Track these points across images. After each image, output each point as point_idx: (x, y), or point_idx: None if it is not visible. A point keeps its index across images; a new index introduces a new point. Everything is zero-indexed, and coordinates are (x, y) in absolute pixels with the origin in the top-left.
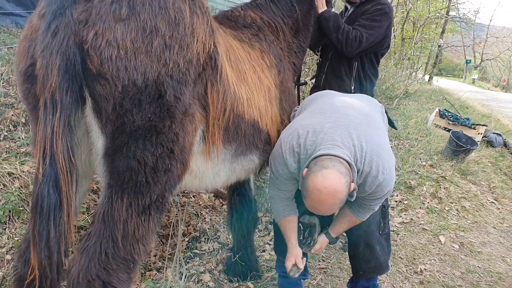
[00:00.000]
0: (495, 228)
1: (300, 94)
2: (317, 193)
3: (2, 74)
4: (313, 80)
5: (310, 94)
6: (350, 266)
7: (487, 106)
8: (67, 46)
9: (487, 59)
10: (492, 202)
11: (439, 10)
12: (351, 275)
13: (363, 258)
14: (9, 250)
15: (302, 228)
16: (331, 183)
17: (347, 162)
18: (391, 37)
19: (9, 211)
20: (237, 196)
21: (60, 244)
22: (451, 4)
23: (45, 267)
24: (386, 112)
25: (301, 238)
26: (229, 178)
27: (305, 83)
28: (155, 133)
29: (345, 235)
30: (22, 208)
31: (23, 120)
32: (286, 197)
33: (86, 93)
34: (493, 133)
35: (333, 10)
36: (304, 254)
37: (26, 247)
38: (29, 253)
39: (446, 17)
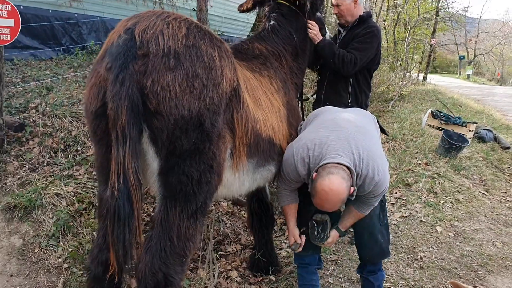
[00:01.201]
0: (486, 216)
1: (304, 108)
2: (323, 193)
3: (37, 106)
4: (314, 96)
5: (312, 108)
6: (358, 254)
7: (481, 101)
8: (132, 92)
9: (480, 54)
10: (483, 193)
11: (428, 12)
12: (359, 263)
13: (367, 246)
14: (65, 260)
15: (316, 225)
16: (335, 186)
17: (348, 168)
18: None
19: (61, 226)
20: (256, 201)
21: (133, 244)
22: (440, 5)
23: (121, 262)
24: (378, 122)
25: (315, 233)
26: (251, 186)
27: (308, 98)
28: (198, 153)
29: (351, 230)
30: (71, 224)
31: (62, 146)
32: (291, 189)
33: (144, 126)
34: (483, 129)
35: (327, 34)
36: (318, 247)
37: (98, 251)
38: (102, 256)
39: (436, 18)
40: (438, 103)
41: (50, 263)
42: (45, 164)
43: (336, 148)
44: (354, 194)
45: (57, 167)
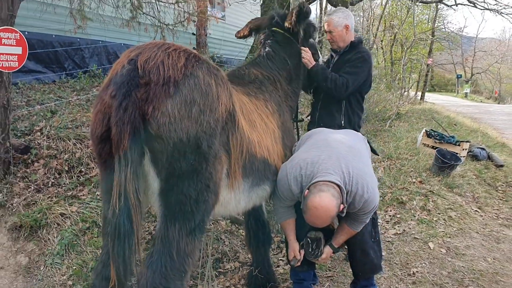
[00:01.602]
0: (478, 233)
1: (299, 129)
2: (314, 210)
3: (41, 129)
4: (309, 117)
5: (307, 129)
6: (351, 270)
7: (478, 119)
8: (134, 118)
9: (477, 73)
10: (476, 210)
11: (424, 32)
12: (353, 278)
13: (360, 262)
14: (70, 277)
15: (310, 242)
16: (325, 203)
17: (339, 186)
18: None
19: (65, 245)
20: (253, 219)
21: (132, 260)
22: (435, 26)
23: (121, 277)
24: (368, 142)
25: (310, 250)
26: (247, 205)
27: (302, 120)
28: (196, 173)
29: (346, 247)
30: (75, 242)
31: (66, 168)
32: (286, 206)
33: (145, 149)
34: (477, 147)
35: (320, 58)
36: (313, 263)
37: (102, 267)
38: (105, 271)
39: (432, 38)
40: (434, 122)
41: (55, 281)
42: (49, 185)
43: (327, 167)
44: (345, 211)
45: (61, 187)
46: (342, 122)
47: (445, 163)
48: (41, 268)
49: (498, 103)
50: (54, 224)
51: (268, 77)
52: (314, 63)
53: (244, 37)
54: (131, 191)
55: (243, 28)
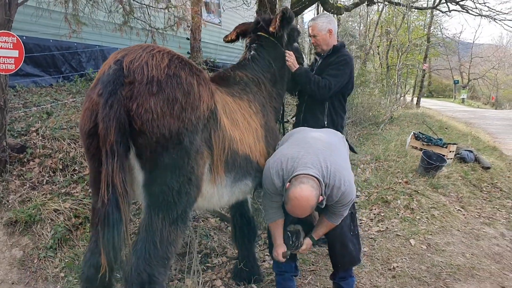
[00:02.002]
0: (459, 230)
1: (285, 129)
2: (295, 200)
3: (37, 130)
4: (294, 118)
5: (293, 128)
6: (331, 262)
7: (472, 124)
8: (119, 114)
9: (474, 79)
10: (458, 209)
11: (419, 38)
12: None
13: (339, 254)
14: (62, 269)
15: (290, 235)
16: (305, 194)
17: (317, 179)
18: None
19: (58, 239)
20: (239, 216)
21: (121, 246)
22: (430, 32)
23: (111, 263)
24: (347, 140)
25: (290, 242)
26: (230, 199)
27: (288, 121)
28: (178, 167)
29: (326, 240)
30: (68, 237)
31: (60, 166)
32: (275, 206)
33: (131, 143)
34: (465, 150)
35: (305, 62)
36: (294, 256)
37: (90, 255)
38: (93, 259)
39: (427, 44)
40: (425, 125)
41: (48, 273)
42: (44, 182)
43: (306, 162)
44: (324, 202)
45: (55, 185)
46: (325, 122)
47: (430, 164)
48: (35, 261)
49: (495, 109)
50: (48, 219)
51: (253, 79)
52: (298, 66)
53: (232, 41)
54: (118, 182)
55: (230, 33)
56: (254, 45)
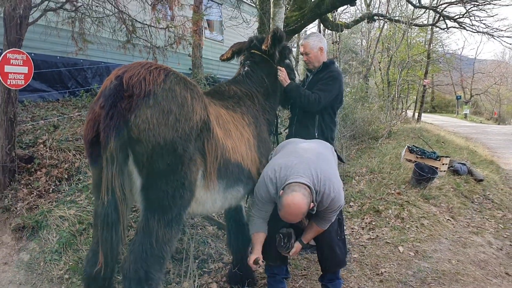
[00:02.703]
0: (447, 239)
1: (279, 141)
2: (288, 207)
3: (44, 142)
4: (287, 130)
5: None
6: (320, 265)
7: (472, 139)
8: (119, 124)
9: (476, 94)
10: (448, 219)
11: (419, 54)
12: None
13: (327, 257)
14: (66, 271)
15: (282, 237)
16: (297, 201)
17: (309, 187)
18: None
19: (63, 244)
20: (233, 222)
21: (118, 244)
22: (431, 48)
23: (108, 260)
24: (335, 151)
25: (282, 244)
26: (223, 204)
27: (281, 133)
28: (172, 173)
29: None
30: (72, 241)
31: (66, 176)
32: (262, 217)
33: (129, 151)
34: (458, 163)
35: (297, 77)
36: (285, 259)
37: (92, 255)
38: (95, 258)
39: (427, 60)
40: (421, 139)
41: (53, 274)
42: (50, 191)
43: (298, 171)
44: (315, 209)
45: (61, 193)
46: (316, 134)
47: (422, 175)
48: (41, 264)
49: (498, 124)
50: (54, 225)
51: (246, 93)
52: (289, 81)
53: (228, 59)
54: (117, 186)
55: (226, 51)
56: (248, 62)
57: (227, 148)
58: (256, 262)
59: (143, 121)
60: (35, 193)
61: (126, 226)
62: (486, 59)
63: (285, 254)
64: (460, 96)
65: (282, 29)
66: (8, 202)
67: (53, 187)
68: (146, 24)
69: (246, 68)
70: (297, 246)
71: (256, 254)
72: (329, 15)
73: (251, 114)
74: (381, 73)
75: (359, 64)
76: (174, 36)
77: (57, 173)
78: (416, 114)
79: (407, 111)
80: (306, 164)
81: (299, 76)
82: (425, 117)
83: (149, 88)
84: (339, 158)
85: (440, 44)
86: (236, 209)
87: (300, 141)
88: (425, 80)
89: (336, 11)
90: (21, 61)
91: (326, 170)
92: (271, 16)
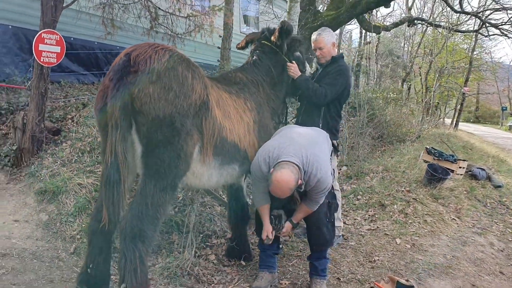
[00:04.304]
0: (448, 236)
1: None
2: (276, 182)
3: (73, 117)
4: (294, 120)
5: None
6: (308, 244)
7: (510, 150)
8: (124, 96)
9: None
10: (453, 219)
11: (459, 60)
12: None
13: (314, 237)
14: (79, 232)
15: (273, 218)
16: (285, 177)
17: (297, 165)
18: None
19: (79, 208)
20: (234, 201)
21: (119, 203)
22: (473, 56)
23: (110, 216)
24: (331, 139)
25: (273, 225)
26: (219, 180)
27: (288, 122)
28: (169, 144)
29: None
30: (87, 207)
31: (88, 149)
32: (262, 191)
33: (132, 121)
34: (477, 168)
35: (308, 70)
36: (277, 236)
37: (96, 212)
38: (99, 215)
39: (467, 67)
40: (445, 144)
41: (67, 234)
42: (73, 161)
43: (289, 151)
44: (302, 187)
45: (82, 164)
46: (320, 125)
47: (433, 175)
48: (57, 224)
49: None
50: (72, 191)
51: (252, 81)
52: (299, 74)
53: (242, 48)
54: (120, 150)
55: (241, 41)
56: (257, 51)
57: (225, 128)
58: (267, 240)
59: (145, 94)
60: (59, 162)
61: (128, 188)
62: None
63: (277, 234)
64: (506, 107)
65: (296, 23)
66: (34, 168)
67: (76, 158)
68: (168, 12)
69: (254, 57)
70: (287, 226)
71: (266, 227)
72: (366, 15)
73: (255, 101)
74: (420, 79)
75: (400, 68)
76: (194, 25)
77: (81, 145)
78: (454, 121)
79: (445, 118)
80: (297, 146)
81: (310, 69)
82: (467, 126)
83: (153, 66)
84: (334, 147)
85: (487, 51)
86: (237, 188)
87: (296, 127)
88: (464, 88)
89: (373, 12)
90: (55, 41)
91: (316, 154)
92: (287, 10)
